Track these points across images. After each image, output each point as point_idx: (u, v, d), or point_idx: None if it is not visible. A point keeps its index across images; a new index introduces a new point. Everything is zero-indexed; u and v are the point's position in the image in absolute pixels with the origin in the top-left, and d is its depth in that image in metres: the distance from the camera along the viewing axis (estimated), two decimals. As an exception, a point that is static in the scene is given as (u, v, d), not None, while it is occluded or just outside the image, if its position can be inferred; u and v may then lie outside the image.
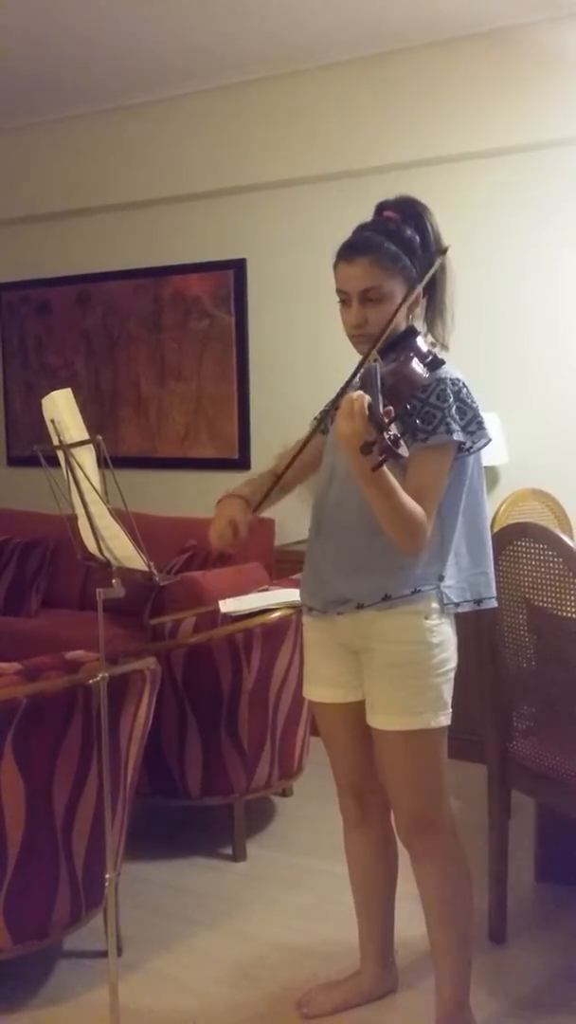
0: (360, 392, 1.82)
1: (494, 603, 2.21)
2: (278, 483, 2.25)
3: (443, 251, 2.13)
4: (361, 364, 2.11)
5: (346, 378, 2.30)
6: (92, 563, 2.25)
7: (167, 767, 3.24)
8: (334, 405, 2.27)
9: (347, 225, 2.21)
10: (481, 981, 2.49)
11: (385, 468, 1.86)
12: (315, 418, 2.37)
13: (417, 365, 1.97)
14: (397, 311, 2.08)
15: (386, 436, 1.74)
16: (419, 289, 2.11)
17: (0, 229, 5.65)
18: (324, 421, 2.29)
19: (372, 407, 1.78)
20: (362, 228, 2.17)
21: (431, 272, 2.11)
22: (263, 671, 3.23)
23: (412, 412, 2.02)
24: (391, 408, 1.80)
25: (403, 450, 1.77)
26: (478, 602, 2.18)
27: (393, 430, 1.76)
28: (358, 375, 2.09)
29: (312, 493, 2.29)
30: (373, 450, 1.76)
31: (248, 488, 2.30)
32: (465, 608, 2.16)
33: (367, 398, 1.80)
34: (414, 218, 2.15)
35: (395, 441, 1.74)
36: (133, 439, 5.39)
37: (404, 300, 2.09)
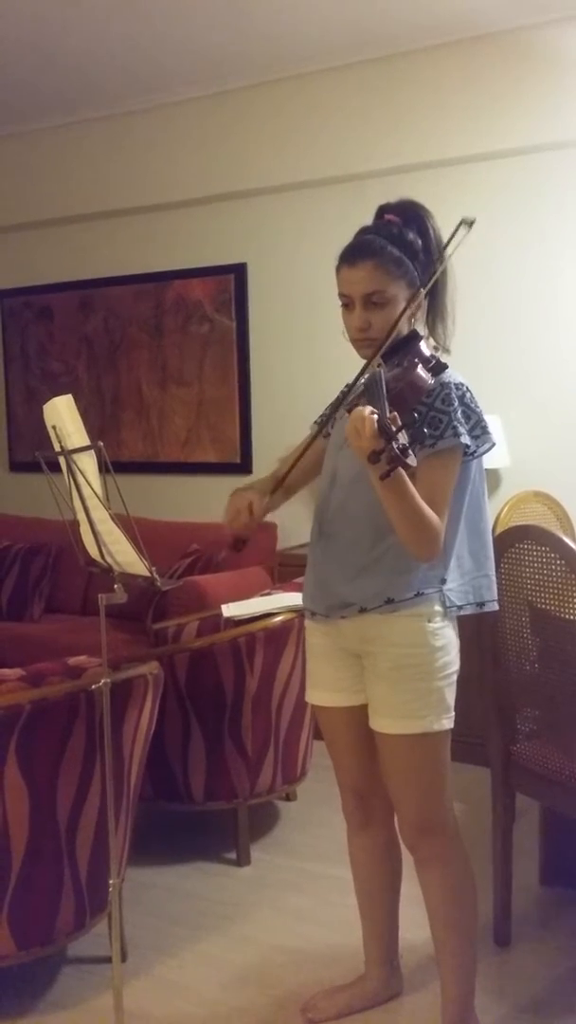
0: (370, 408, 1.81)
1: (496, 606, 2.21)
2: (282, 484, 2.26)
3: (444, 255, 2.12)
4: (364, 370, 2.11)
5: (348, 383, 2.31)
6: (94, 568, 2.25)
7: (171, 772, 3.24)
8: (334, 409, 2.28)
9: (348, 229, 2.21)
10: (486, 984, 2.49)
11: (403, 473, 1.86)
12: (315, 422, 2.37)
13: (422, 370, 1.96)
14: (401, 315, 2.08)
15: (394, 445, 1.73)
16: (423, 294, 2.11)
17: (1, 235, 5.67)
18: (324, 425, 2.29)
19: (379, 416, 1.78)
20: (364, 231, 2.17)
21: (440, 270, 2.10)
22: (266, 675, 3.23)
23: (418, 418, 2.02)
24: (396, 415, 1.80)
25: (411, 459, 1.76)
26: (480, 605, 2.18)
27: (402, 439, 1.75)
28: (361, 381, 2.09)
29: (314, 497, 2.29)
30: (381, 459, 1.76)
31: (257, 486, 2.31)
32: (467, 611, 2.16)
33: (375, 413, 1.79)
34: (416, 221, 2.15)
35: (403, 451, 1.73)
36: (135, 444, 5.39)
37: (408, 305, 2.09)
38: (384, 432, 1.75)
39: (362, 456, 1.81)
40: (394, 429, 1.75)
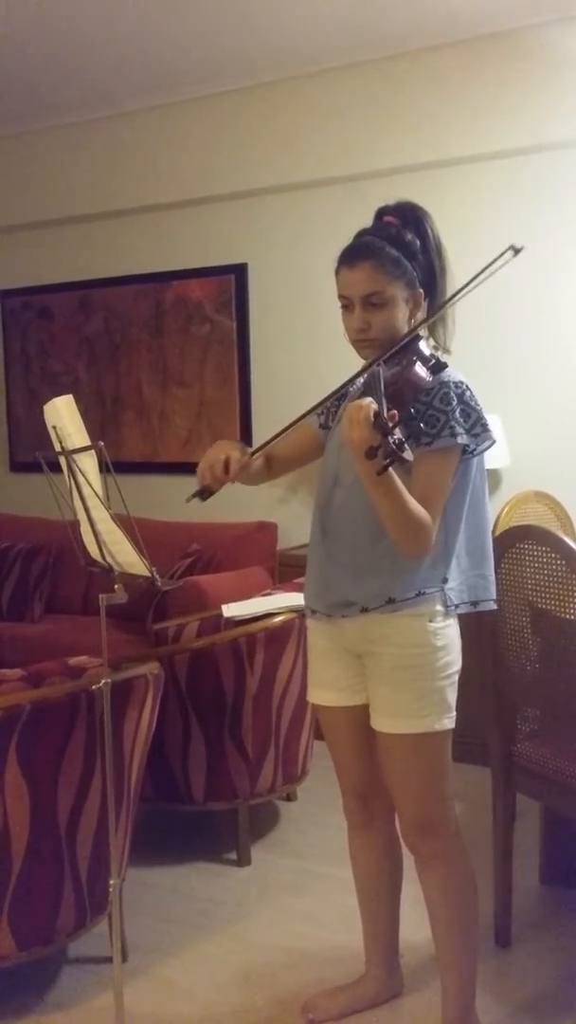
0: (369, 399, 1.82)
1: (492, 605, 2.21)
2: (263, 449, 2.22)
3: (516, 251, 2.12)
4: (365, 369, 2.12)
5: (350, 377, 2.30)
6: (95, 569, 2.25)
7: (171, 772, 3.24)
8: (336, 403, 2.28)
9: (347, 229, 2.21)
10: (486, 985, 2.48)
11: (392, 471, 1.87)
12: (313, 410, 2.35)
13: (420, 369, 1.98)
14: (414, 325, 2.08)
15: (390, 440, 1.75)
16: (421, 293, 2.12)
17: (2, 235, 5.67)
18: (318, 407, 2.27)
19: (376, 412, 1.79)
20: (363, 233, 2.18)
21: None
22: (266, 675, 3.22)
23: (416, 416, 2.02)
24: (395, 412, 1.81)
25: (407, 454, 1.78)
26: (474, 604, 2.18)
27: (397, 434, 1.77)
28: (362, 380, 2.10)
29: (314, 497, 2.29)
30: (378, 454, 1.77)
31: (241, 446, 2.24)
32: (462, 610, 2.16)
33: (373, 405, 1.81)
34: (414, 222, 2.16)
35: (399, 445, 1.75)
36: (135, 444, 5.39)
37: (406, 303, 2.09)
38: (381, 428, 1.76)
39: (358, 453, 1.82)
40: (391, 425, 1.76)
